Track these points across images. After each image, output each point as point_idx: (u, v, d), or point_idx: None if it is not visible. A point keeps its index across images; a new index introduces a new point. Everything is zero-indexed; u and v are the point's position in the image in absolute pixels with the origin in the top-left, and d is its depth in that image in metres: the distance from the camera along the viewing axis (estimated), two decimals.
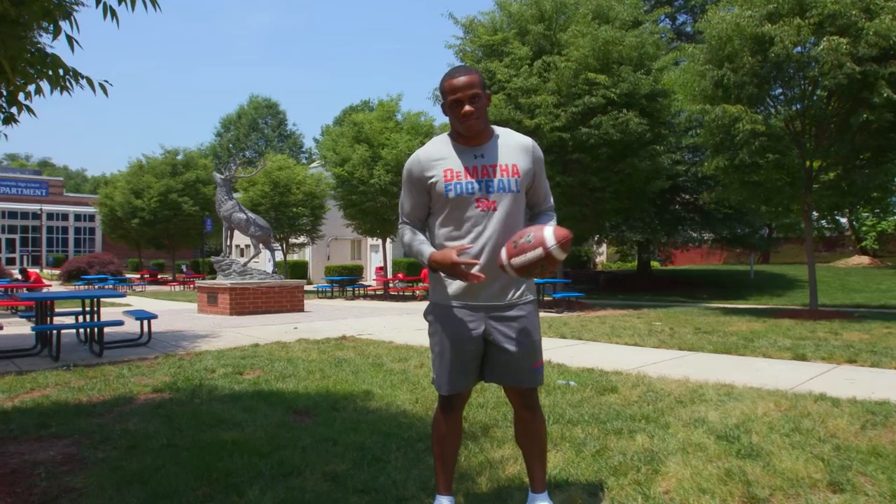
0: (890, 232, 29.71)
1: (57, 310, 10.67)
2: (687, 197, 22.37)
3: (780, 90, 11.54)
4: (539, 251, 1.91)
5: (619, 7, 14.31)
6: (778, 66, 10.55)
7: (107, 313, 11.22)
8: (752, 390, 4.72)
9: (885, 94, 9.42)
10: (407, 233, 2.30)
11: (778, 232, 30.82)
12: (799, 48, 10.19)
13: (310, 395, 4.67)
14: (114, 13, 2.86)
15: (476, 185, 2.16)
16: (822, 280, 18.68)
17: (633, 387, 4.85)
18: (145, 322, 8.03)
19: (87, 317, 7.75)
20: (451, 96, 2.14)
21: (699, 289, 20.94)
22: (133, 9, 2.78)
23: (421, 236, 2.27)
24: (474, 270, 2.09)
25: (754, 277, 23.98)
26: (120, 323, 7.17)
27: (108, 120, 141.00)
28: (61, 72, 2.92)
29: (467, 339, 2.18)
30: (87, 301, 7.90)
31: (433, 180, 2.18)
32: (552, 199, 2.44)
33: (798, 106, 11.22)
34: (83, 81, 3.23)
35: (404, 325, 10.55)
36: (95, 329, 7.28)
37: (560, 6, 14.45)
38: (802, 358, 6.58)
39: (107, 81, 2.93)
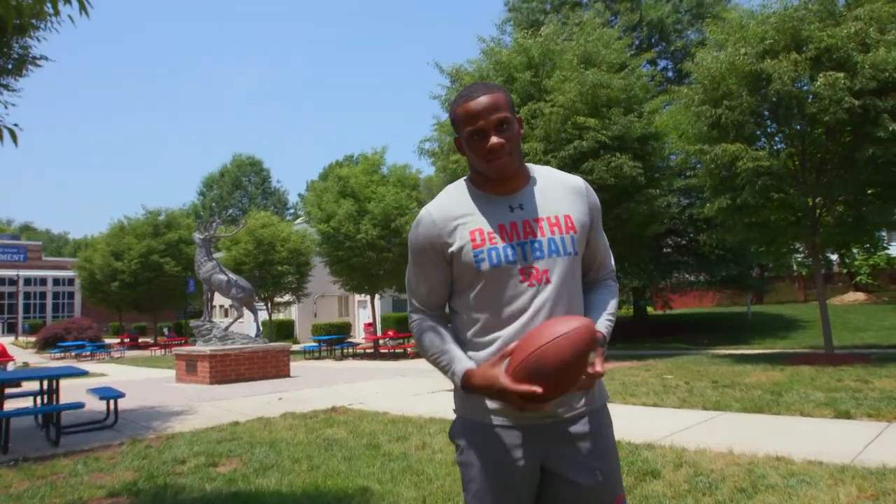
0: (882, 266, 29.51)
1: (24, 386, 9.79)
2: (679, 240, 22.02)
3: (777, 127, 11.24)
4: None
5: (605, 51, 14.15)
6: (777, 103, 10.26)
7: (75, 386, 10.34)
8: (816, 465, 4.03)
9: (891, 129, 9.09)
10: (426, 332, 1.60)
11: (770, 271, 30.53)
12: (797, 84, 9.90)
13: (295, 497, 3.90)
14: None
15: (518, 251, 1.52)
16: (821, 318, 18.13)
17: (675, 468, 4.14)
18: (111, 401, 7.21)
19: (45, 397, 6.93)
20: (468, 126, 1.52)
21: (698, 333, 20.31)
22: (57, 13, 2.22)
23: (445, 336, 1.58)
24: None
25: (752, 319, 23.46)
26: (80, 406, 6.37)
27: (91, 182, 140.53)
28: None
29: (517, 472, 1.49)
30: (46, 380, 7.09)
31: (456, 247, 1.53)
32: (613, 261, 1.79)
33: (798, 143, 10.88)
34: None
35: (398, 390, 9.77)
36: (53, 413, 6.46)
37: (547, 53, 14.27)
38: (846, 415, 5.91)
39: (16, 125, 2.33)
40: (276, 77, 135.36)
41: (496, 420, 1.50)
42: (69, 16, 3.11)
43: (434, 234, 1.56)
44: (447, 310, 1.67)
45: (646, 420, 6.23)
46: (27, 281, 49.68)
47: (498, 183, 1.57)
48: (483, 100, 1.51)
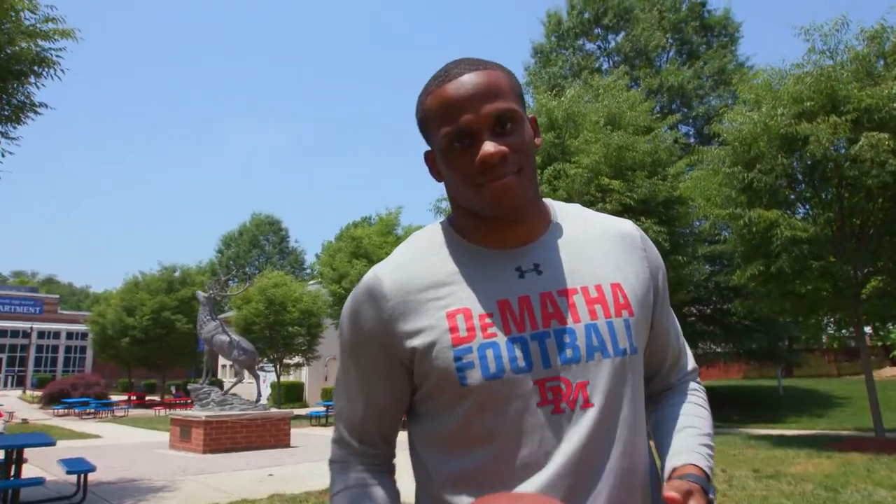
0: None
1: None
2: (705, 308, 21.11)
3: (812, 192, 10.61)
4: None
5: (630, 114, 13.84)
6: (812, 166, 9.69)
7: (53, 452, 9.62)
8: None
9: None
10: (337, 483, 0.94)
11: (799, 343, 29.25)
12: (836, 146, 9.33)
13: None
14: None
15: (535, 350, 0.85)
16: (860, 395, 16.90)
17: None
18: (81, 475, 6.48)
19: (7, 470, 6.23)
20: (444, 127, 0.86)
21: (727, 409, 19.09)
22: None
23: (368, 493, 0.93)
24: None
25: (783, 394, 22.20)
26: (39, 482, 5.67)
27: (113, 237, 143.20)
28: None
29: None
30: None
31: (423, 342, 0.86)
32: (691, 357, 1.08)
33: (836, 208, 10.21)
34: None
35: (404, 468, 8.89)
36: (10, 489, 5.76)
37: (571, 115, 14.00)
38: None
39: None
40: (298, 136, 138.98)
41: None
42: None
43: (383, 316, 0.88)
44: (390, 455, 1.00)
45: None
46: (41, 334, 49.45)
47: (499, 227, 0.90)
48: (468, 79, 0.84)
